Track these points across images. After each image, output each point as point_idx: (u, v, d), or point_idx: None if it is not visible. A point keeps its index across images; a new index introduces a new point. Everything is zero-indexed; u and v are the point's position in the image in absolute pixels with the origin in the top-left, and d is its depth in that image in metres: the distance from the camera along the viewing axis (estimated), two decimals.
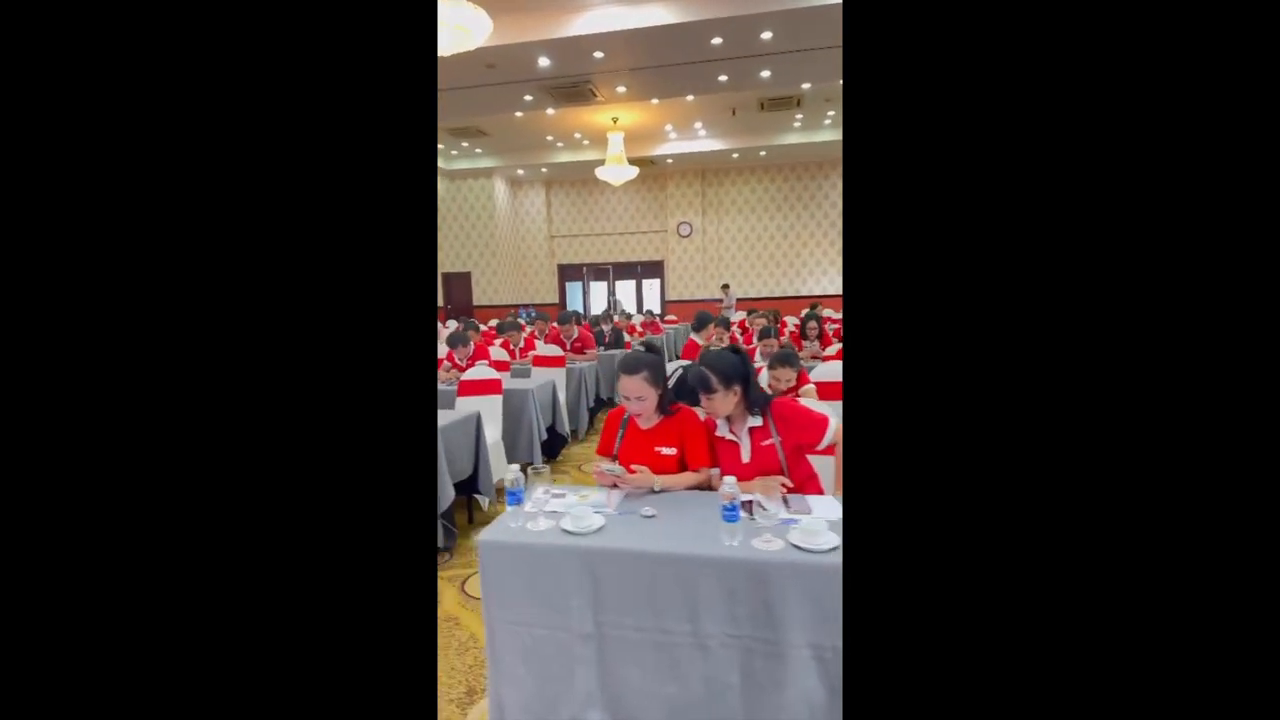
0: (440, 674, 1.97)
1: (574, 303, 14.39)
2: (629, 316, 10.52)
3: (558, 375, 4.61)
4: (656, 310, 12.39)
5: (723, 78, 7.44)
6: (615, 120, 10.00)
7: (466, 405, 3.48)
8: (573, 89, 7.84)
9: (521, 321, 10.87)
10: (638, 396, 1.78)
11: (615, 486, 1.75)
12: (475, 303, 13.27)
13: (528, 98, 8.15)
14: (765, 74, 7.32)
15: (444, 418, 2.88)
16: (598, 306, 13.89)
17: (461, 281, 13.48)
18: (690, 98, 8.69)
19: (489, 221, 13.12)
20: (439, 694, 1.90)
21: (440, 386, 3.84)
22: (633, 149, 10.59)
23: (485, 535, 1.47)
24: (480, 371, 3.67)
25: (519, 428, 3.76)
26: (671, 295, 13.45)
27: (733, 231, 13.22)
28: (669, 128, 10.79)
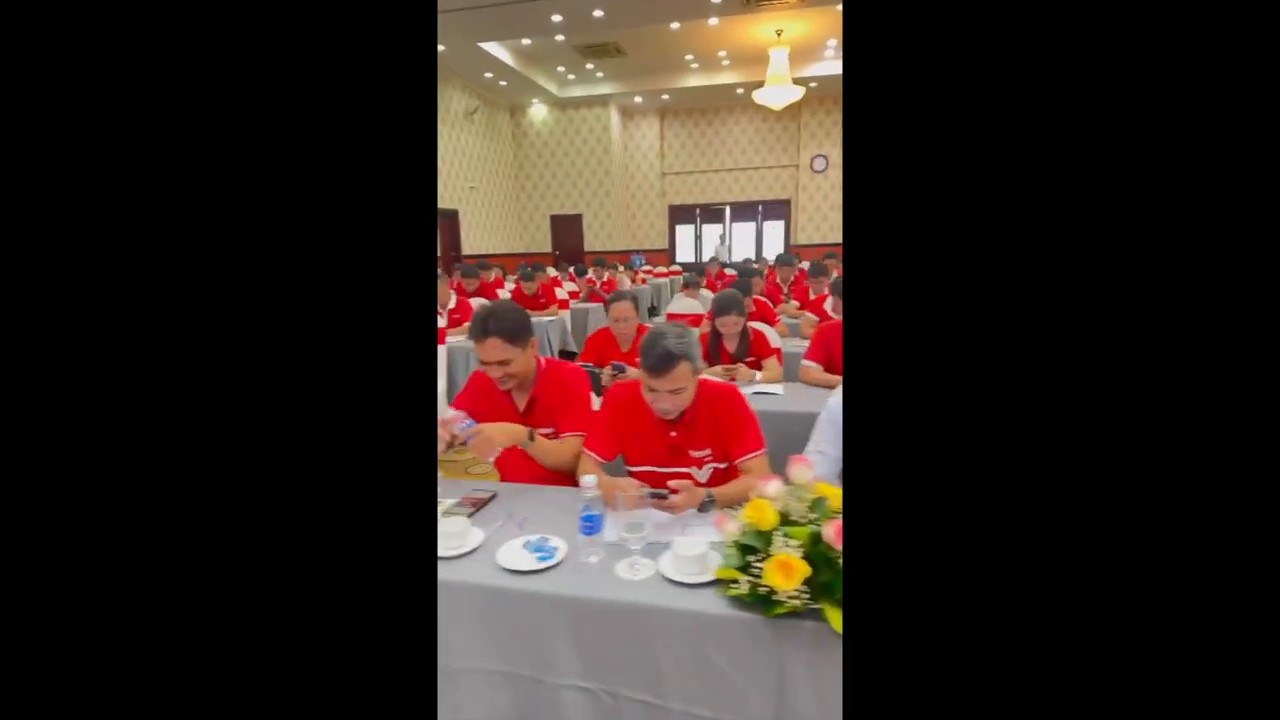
0: None
1: (683, 249, 13.22)
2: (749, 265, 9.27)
3: None
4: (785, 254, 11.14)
5: None
6: (779, 33, 8.62)
7: None
8: None
9: (636, 268, 9.83)
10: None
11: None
12: (586, 248, 12.16)
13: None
14: None
15: None
16: (706, 252, 12.73)
17: (571, 225, 12.33)
18: None
19: (603, 157, 11.84)
20: None
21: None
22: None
23: None
24: None
25: None
26: (799, 239, 12.18)
27: None
28: (831, 43, 9.36)
